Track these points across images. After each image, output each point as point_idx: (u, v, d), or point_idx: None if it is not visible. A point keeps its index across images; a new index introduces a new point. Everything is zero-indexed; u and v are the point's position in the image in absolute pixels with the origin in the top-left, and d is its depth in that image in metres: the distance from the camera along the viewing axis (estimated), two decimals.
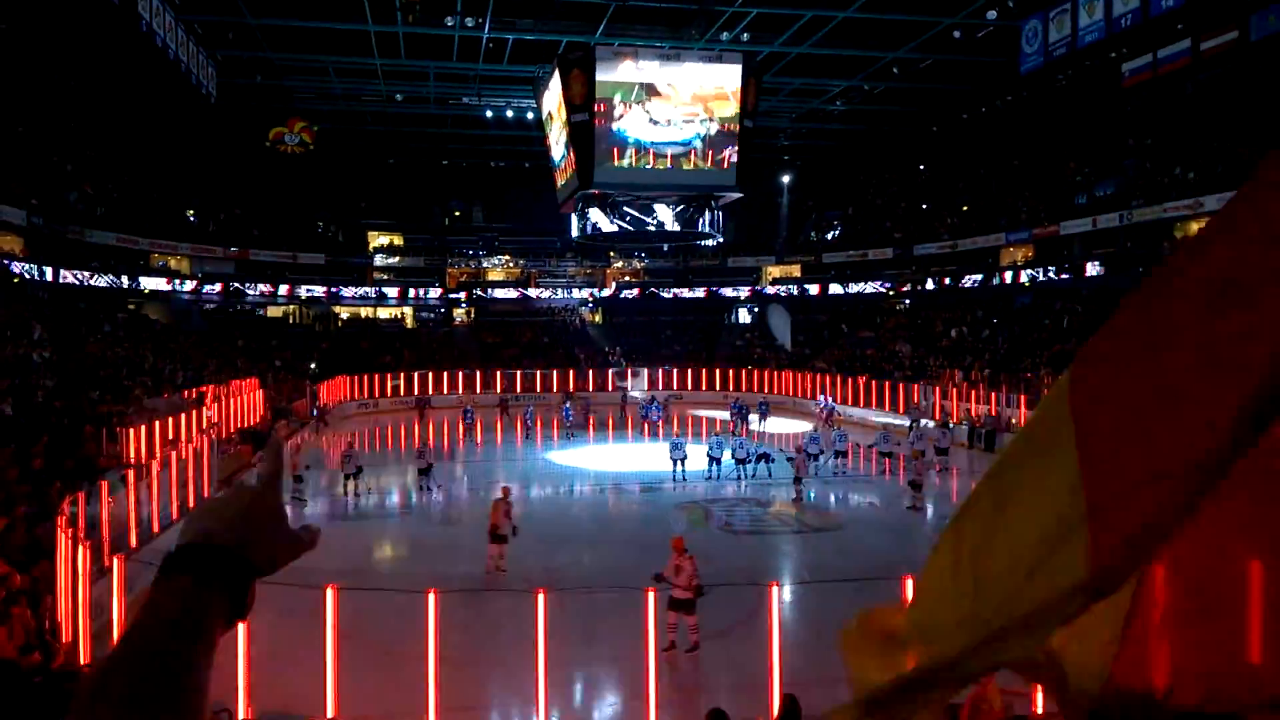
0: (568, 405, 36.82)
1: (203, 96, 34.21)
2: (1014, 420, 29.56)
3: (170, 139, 46.44)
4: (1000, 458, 1.51)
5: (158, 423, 21.13)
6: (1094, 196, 40.33)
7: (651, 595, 9.62)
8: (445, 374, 45.89)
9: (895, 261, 50.33)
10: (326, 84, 40.31)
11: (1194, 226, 35.72)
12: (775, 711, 8.21)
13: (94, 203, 42.58)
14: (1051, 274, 40.77)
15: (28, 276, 35.41)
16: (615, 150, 31.24)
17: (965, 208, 48.40)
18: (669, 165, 31.67)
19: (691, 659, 11.42)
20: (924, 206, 51.35)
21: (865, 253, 51.92)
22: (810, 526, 19.94)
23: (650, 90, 31.11)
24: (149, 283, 45.30)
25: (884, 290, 50.73)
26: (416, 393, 43.05)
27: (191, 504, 17.65)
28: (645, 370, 47.56)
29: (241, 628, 9.46)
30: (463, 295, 55.80)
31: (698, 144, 31.71)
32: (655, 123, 31.46)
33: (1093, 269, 38.48)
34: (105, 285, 41.65)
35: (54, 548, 12.03)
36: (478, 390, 44.57)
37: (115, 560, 10.90)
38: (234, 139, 46.42)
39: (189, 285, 47.60)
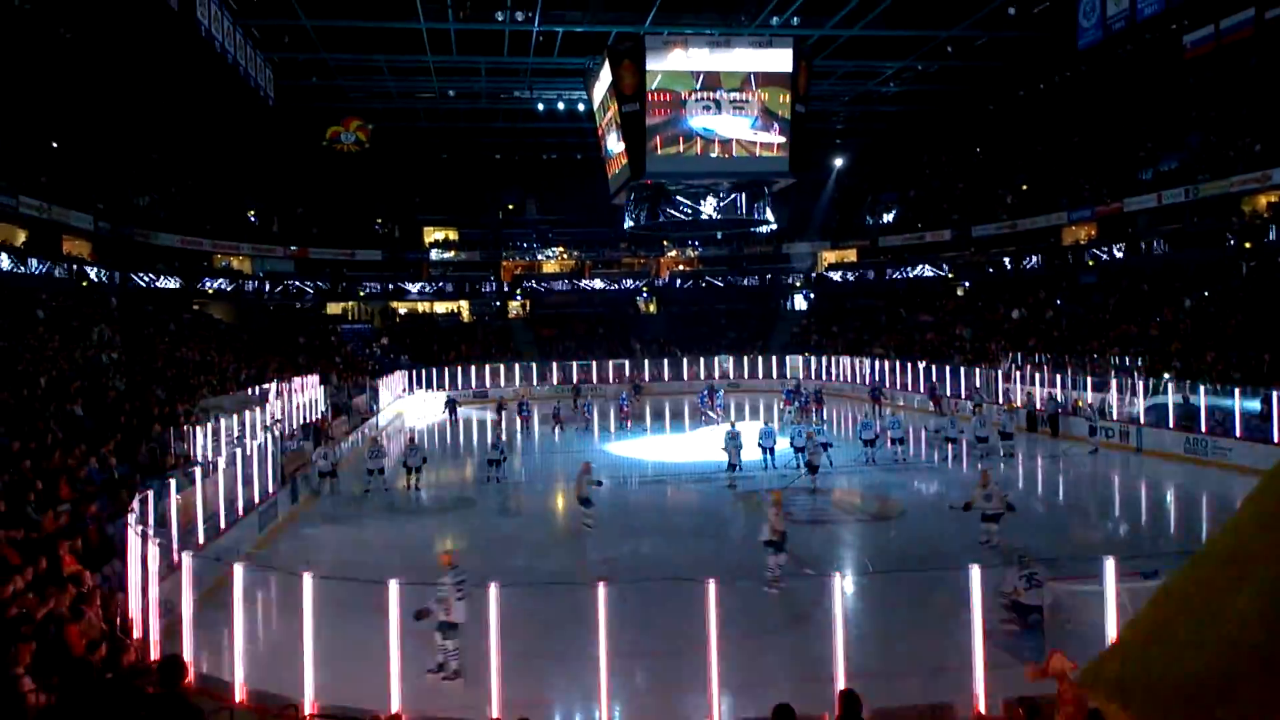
0: (624, 395, 36.89)
1: (261, 99, 34.77)
2: (1080, 403, 28.89)
3: (230, 141, 47.40)
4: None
5: (223, 420, 21.54)
6: (1158, 172, 39.19)
7: (713, 586, 9.53)
8: (502, 367, 46.30)
9: (953, 243, 49.48)
10: (381, 83, 40.74)
11: (1263, 200, 34.60)
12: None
13: (158, 206, 43.64)
14: (1116, 252, 39.73)
15: (96, 280, 36.37)
16: (667, 139, 31.07)
17: (1025, 187, 47.37)
18: (721, 153, 31.41)
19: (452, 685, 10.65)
20: (982, 187, 50.37)
21: (922, 235, 51.12)
22: (871, 515, 19.68)
23: (701, 78, 30.88)
24: (212, 282, 46.34)
25: (942, 273, 49.88)
26: (448, 391, 42.81)
27: (256, 500, 17.97)
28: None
29: (307, 623, 9.59)
30: (518, 288, 56.16)
31: (750, 130, 31.40)
32: (707, 110, 31.22)
33: (1159, 246, 37.44)
34: (171, 286, 42.67)
35: (124, 545, 12.30)
36: (534, 382, 44.89)
37: (183, 557, 11.11)
38: (292, 140, 47.19)
39: (251, 284, 48.58)
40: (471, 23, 32.63)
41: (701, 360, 47.67)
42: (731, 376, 46.24)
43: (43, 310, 28.68)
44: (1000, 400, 31.82)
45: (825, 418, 33.44)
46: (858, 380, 41.71)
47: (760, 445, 24.42)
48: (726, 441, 24.16)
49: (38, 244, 33.97)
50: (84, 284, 35.33)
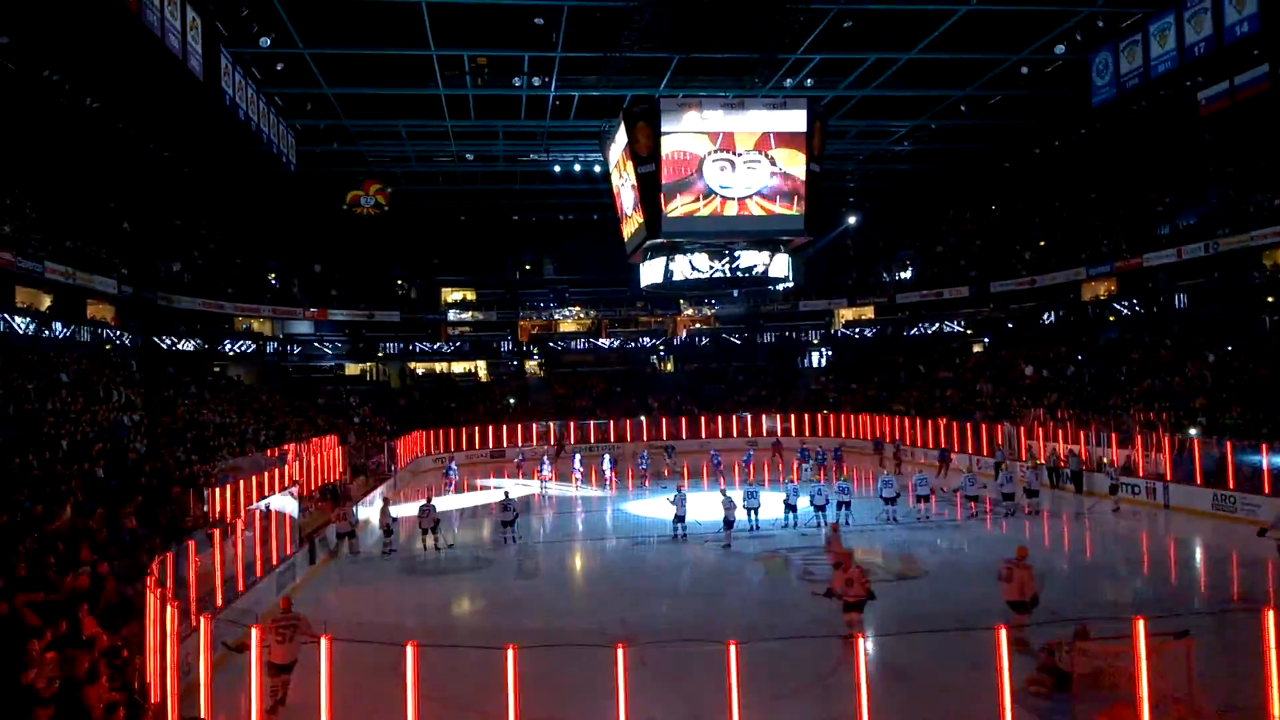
0: (644, 453, 36.80)
1: (282, 165, 35.39)
2: (1104, 459, 28.53)
3: (252, 206, 48.21)
4: None
5: (242, 481, 21.55)
6: (1177, 227, 39.18)
7: (734, 649, 9.37)
8: (519, 426, 46.28)
9: (972, 299, 49.41)
10: (400, 147, 41.44)
11: None
12: None
13: (182, 270, 44.26)
14: (1137, 307, 39.58)
15: (119, 343, 36.74)
16: (683, 198, 31.33)
17: (1042, 243, 47.41)
18: (738, 211, 31.63)
19: None
20: (999, 243, 50.45)
21: (940, 291, 51.05)
22: (894, 574, 19.39)
23: (718, 138, 31.24)
24: (233, 344, 46.74)
25: (961, 329, 49.76)
26: (450, 454, 42.24)
27: (274, 561, 17.90)
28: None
29: (323, 686, 9.48)
30: (535, 347, 56.38)
31: (766, 189, 31.65)
32: (722, 169, 31.51)
33: (1180, 301, 37.29)
34: (192, 349, 43.05)
35: (143, 608, 12.24)
36: (551, 442, 44.83)
37: (202, 620, 11.04)
38: (312, 203, 47.95)
39: (271, 346, 48.99)
40: (489, 88, 33.30)
41: (720, 419, 47.55)
42: (750, 435, 46.08)
43: (66, 374, 28.94)
44: (1025, 457, 31.51)
45: (846, 474, 33.17)
46: (877, 437, 41.46)
47: (785, 503, 24.49)
48: (745, 500, 24.13)
49: (62, 308, 34.39)
50: (106, 347, 35.69)
